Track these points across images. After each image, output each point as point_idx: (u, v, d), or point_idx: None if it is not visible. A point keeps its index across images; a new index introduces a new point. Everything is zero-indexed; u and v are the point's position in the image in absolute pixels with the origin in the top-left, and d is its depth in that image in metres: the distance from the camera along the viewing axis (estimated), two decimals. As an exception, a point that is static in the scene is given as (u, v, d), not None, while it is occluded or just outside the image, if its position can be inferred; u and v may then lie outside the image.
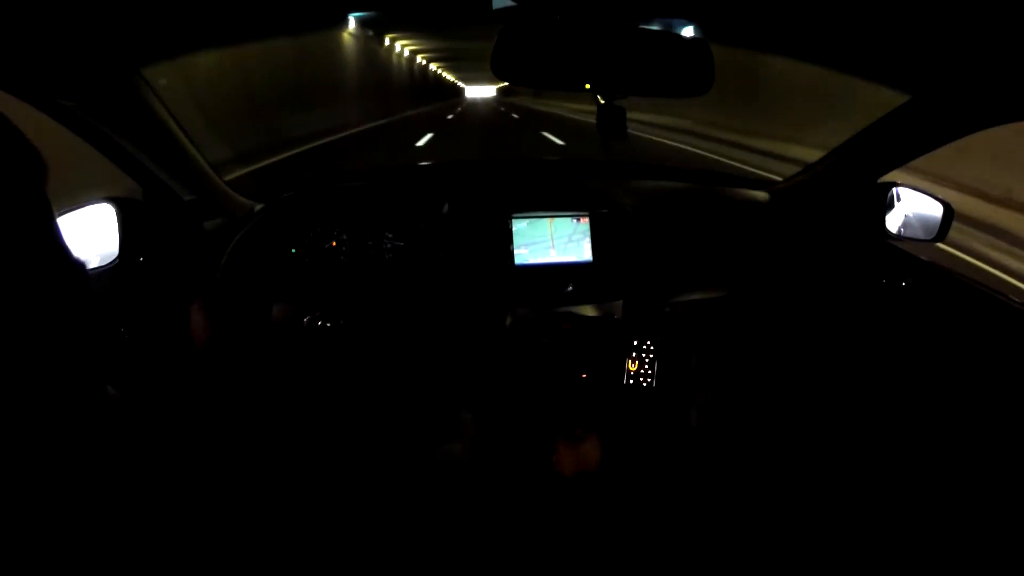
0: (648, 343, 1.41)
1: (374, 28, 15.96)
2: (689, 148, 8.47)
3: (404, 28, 18.22)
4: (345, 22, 12.66)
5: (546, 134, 10.85)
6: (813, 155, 1.44)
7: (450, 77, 44.30)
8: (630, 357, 1.40)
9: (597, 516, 1.23)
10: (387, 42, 19.58)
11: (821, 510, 1.28)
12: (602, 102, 0.94)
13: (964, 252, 3.30)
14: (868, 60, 1.10)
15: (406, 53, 23.14)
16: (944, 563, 1.11)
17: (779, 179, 1.52)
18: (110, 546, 0.47)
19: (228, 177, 1.26)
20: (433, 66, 34.99)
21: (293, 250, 1.26)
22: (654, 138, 9.54)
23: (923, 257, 1.23)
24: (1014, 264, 3.23)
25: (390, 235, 1.28)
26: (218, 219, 1.22)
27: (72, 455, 0.43)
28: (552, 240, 1.30)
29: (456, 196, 1.34)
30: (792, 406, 1.47)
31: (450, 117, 17.17)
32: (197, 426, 0.80)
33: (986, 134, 1.00)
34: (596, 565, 1.16)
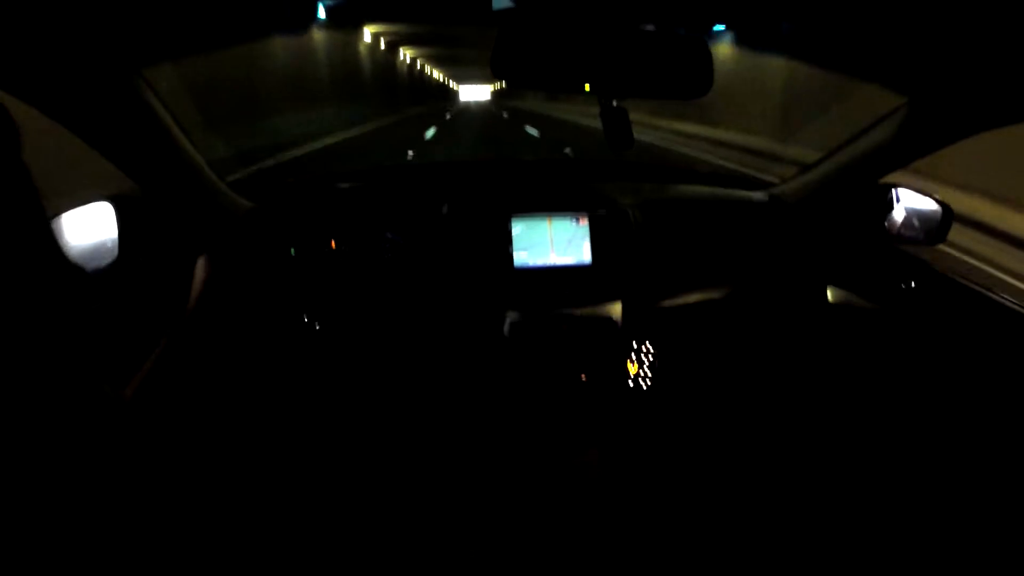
0: (648, 345, 1.41)
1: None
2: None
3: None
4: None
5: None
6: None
7: (436, 74, 35.80)
8: (630, 359, 1.40)
9: (599, 516, 1.23)
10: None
11: (822, 510, 1.28)
12: (614, 104, 0.94)
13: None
14: (868, 60, 1.10)
15: (366, 38, 16.30)
16: (945, 563, 1.10)
17: (778, 180, 1.52)
18: (109, 544, 0.47)
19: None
20: (408, 54, 25.19)
21: (292, 250, 1.26)
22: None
23: (923, 258, 1.23)
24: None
25: (389, 235, 1.28)
26: (218, 219, 1.22)
27: (69, 452, 0.43)
28: (551, 242, 1.30)
29: (456, 196, 1.34)
30: (792, 406, 1.47)
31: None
32: (196, 424, 0.80)
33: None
34: (597, 565, 1.16)
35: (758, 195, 1.47)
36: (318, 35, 11.61)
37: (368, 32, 16.48)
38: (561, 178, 1.47)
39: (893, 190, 1.22)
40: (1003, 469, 1.05)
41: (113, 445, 0.54)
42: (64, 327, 0.44)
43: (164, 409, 1.03)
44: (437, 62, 31.73)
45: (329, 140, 8.80)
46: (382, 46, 19.09)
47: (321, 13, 10.98)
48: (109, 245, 1.02)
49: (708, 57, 0.84)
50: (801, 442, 1.42)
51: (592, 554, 1.17)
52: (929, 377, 1.16)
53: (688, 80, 0.86)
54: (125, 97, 0.94)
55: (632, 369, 1.41)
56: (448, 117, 17.25)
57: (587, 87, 0.84)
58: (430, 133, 11.87)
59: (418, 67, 29.16)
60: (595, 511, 1.26)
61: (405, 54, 24.42)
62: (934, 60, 0.95)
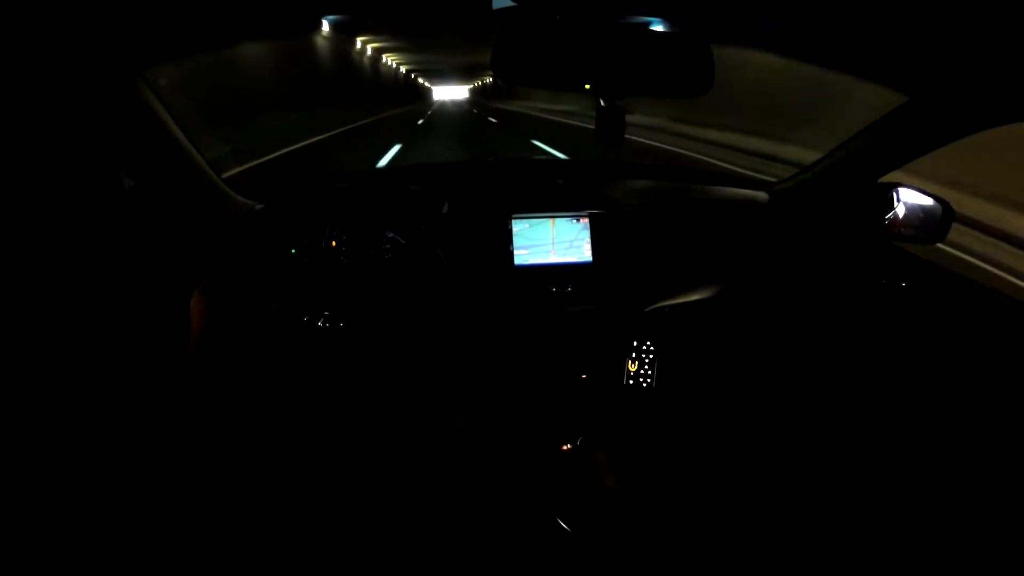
0: (648, 343, 1.41)
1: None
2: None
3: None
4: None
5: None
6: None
7: (396, 63, 27.50)
8: (630, 357, 1.40)
9: (599, 515, 1.23)
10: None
11: (822, 509, 1.28)
12: (603, 104, 0.95)
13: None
14: (867, 60, 1.10)
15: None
16: (944, 563, 1.11)
17: (776, 179, 1.52)
18: (110, 544, 0.47)
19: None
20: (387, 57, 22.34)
21: (293, 250, 1.26)
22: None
23: (923, 257, 1.24)
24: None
25: (390, 235, 1.28)
26: (218, 219, 1.22)
27: (73, 452, 0.43)
28: (552, 241, 1.30)
29: (456, 196, 1.34)
30: (793, 405, 1.47)
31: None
32: (196, 425, 0.80)
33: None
34: (598, 563, 1.16)
35: (758, 194, 1.47)
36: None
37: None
38: (561, 178, 1.47)
39: (893, 189, 1.22)
40: (1003, 468, 1.05)
41: (115, 445, 0.54)
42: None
43: (164, 409, 1.03)
44: (401, 53, 23.95)
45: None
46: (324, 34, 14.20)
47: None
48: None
49: (708, 56, 0.84)
50: (801, 441, 1.42)
51: (592, 554, 1.17)
52: (930, 374, 1.16)
53: (688, 79, 0.86)
54: (125, 97, 0.95)
55: (632, 368, 1.41)
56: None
57: (587, 87, 0.85)
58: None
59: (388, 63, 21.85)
60: (595, 511, 1.26)
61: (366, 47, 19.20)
62: (934, 59, 0.95)
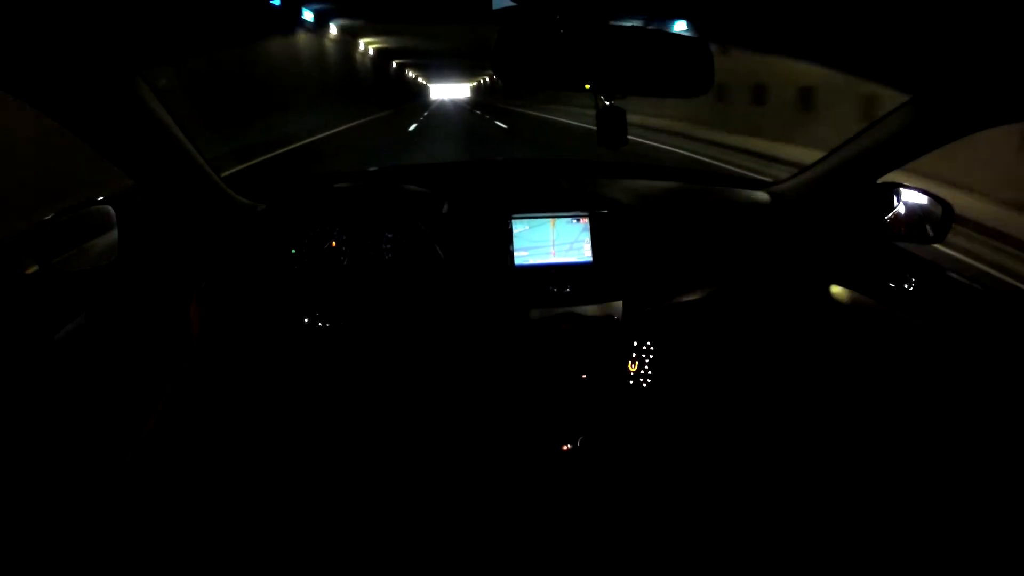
0: (648, 343, 1.41)
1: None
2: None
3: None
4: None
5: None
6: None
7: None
8: (630, 358, 1.40)
9: (600, 516, 1.23)
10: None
11: (823, 508, 1.28)
12: (606, 103, 0.95)
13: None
14: (868, 60, 1.10)
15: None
16: (945, 563, 1.11)
17: (778, 180, 1.52)
18: (111, 544, 0.47)
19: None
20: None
21: (293, 250, 1.26)
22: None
23: (924, 257, 1.24)
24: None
25: (390, 235, 1.28)
26: (218, 219, 1.22)
27: (73, 454, 0.43)
28: (552, 241, 1.30)
29: (456, 196, 1.34)
30: (793, 405, 1.47)
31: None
32: (198, 426, 0.80)
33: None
34: (598, 563, 1.16)
35: (759, 194, 1.47)
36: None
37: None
38: (562, 178, 1.47)
39: (893, 189, 1.22)
40: (1003, 468, 1.05)
41: (113, 446, 0.54)
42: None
43: (165, 409, 1.03)
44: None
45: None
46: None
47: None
48: (109, 247, 1.02)
49: (708, 56, 0.84)
50: (802, 440, 1.42)
51: (592, 554, 1.17)
52: (929, 374, 1.16)
53: (688, 79, 0.86)
54: (125, 97, 0.94)
55: (632, 368, 1.41)
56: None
57: (587, 87, 0.85)
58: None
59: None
60: (596, 511, 1.26)
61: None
62: (935, 59, 0.95)
